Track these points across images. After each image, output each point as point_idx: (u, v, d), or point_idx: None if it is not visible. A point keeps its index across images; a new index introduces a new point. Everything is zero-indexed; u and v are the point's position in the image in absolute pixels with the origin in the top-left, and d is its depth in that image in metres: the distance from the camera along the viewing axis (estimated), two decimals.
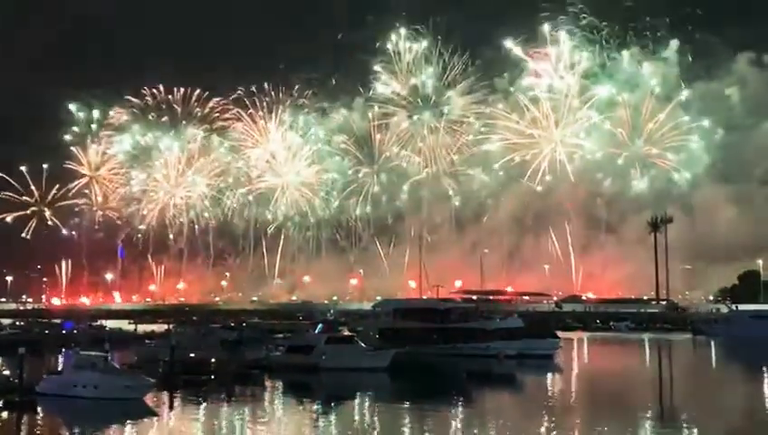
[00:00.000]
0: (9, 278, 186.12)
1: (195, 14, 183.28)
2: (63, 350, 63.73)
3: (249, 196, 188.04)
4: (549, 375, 59.04)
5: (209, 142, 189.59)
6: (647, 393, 48.05)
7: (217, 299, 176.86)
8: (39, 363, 53.07)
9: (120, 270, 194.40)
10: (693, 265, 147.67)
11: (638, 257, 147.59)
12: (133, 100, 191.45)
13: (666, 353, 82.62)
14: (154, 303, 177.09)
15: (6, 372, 45.44)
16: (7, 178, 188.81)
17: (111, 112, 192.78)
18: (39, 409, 39.68)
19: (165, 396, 43.71)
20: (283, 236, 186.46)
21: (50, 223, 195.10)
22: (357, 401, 46.07)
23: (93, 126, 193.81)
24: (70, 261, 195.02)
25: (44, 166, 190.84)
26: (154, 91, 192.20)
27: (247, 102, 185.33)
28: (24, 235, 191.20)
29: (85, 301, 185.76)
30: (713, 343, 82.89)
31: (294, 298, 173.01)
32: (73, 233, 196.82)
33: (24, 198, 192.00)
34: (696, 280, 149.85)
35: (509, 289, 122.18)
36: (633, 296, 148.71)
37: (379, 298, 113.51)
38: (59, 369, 48.48)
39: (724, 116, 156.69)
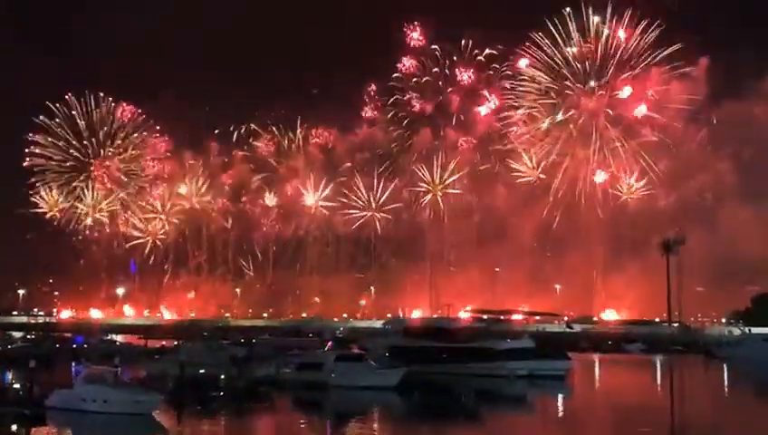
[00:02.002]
0: (21, 292, 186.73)
1: (201, 31, 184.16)
2: (74, 364, 63.94)
3: (270, 212, 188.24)
4: (559, 396, 58.76)
5: (231, 159, 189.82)
6: (658, 417, 47.69)
7: (227, 315, 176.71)
8: (49, 377, 53.23)
9: (133, 284, 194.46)
10: (712, 287, 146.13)
11: (656, 279, 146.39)
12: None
13: (677, 376, 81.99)
14: (165, 318, 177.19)
15: (17, 386, 45.62)
16: (27, 190, 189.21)
17: (135, 133, 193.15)
18: (48, 422, 39.82)
19: (174, 412, 43.73)
20: (301, 253, 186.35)
21: (67, 235, 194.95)
22: (366, 419, 45.99)
23: (118, 140, 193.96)
24: (83, 275, 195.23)
25: (65, 180, 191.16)
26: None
27: (269, 120, 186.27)
28: (39, 250, 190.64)
29: (96, 315, 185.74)
30: (725, 366, 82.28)
31: (305, 315, 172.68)
32: (94, 247, 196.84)
33: (48, 215, 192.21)
34: (713, 302, 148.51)
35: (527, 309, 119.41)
36: (646, 318, 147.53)
37: (389, 316, 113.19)
38: (70, 383, 48.59)
39: (751, 136, 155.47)
